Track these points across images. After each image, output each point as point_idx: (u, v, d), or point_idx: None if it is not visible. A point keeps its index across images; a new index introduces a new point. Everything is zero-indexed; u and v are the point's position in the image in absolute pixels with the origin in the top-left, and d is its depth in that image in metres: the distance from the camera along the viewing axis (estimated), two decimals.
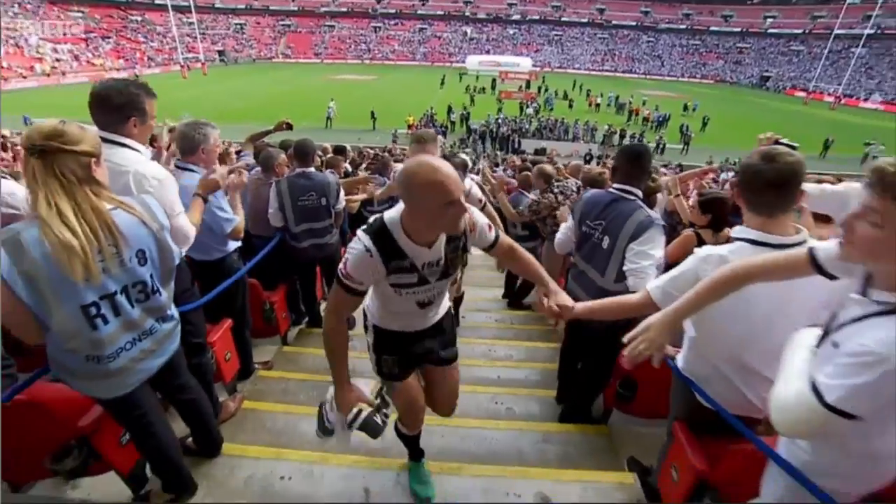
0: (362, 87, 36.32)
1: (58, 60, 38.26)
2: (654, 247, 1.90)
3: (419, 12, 62.52)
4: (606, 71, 54.91)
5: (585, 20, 62.20)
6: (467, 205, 1.40)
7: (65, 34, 43.10)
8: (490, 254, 1.64)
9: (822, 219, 2.04)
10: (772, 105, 38.90)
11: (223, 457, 1.99)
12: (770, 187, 1.27)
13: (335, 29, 60.66)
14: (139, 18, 52.26)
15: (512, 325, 4.02)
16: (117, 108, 1.65)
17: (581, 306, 1.52)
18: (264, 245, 2.94)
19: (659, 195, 3.44)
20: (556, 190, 3.68)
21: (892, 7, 49.36)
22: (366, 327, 1.76)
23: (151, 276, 1.40)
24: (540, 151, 20.12)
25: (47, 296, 1.20)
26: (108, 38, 46.45)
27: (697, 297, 1.27)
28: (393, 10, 62.56)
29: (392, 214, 1.41)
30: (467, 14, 62.39)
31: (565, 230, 2.38)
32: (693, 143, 21.80)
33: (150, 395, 1.59)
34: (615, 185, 2.13)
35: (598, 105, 31.14)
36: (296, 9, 61.68)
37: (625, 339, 1.30)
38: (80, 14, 46.91)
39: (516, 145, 20.26)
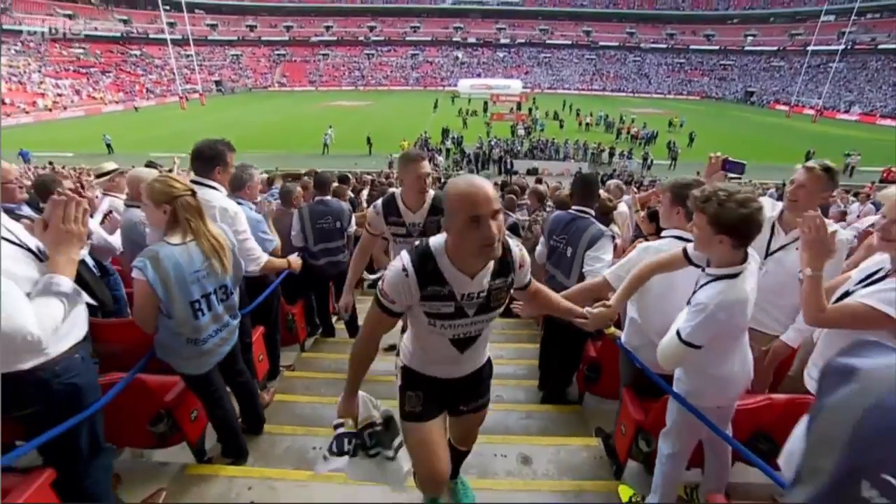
0: (357, 112, 37.28)
1: (59, 95, 39.18)
2: (605, 252, 2.42)
3: (410, 39, 64.29)
4: (595, 90, 56.35)
5: (573, 42, 63.97)
6: (514, 240, 1.51)
7: (66, 69, 44.15)
8: (517, 295, 1.66)
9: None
10: (756, 119, 40.05)
11: (265, 434, 2.45)
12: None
13: (329, 57, 62.25)
14: (138, 52, 53.60)
15: (503, 330, 4.51)
16: (208, 159, 2.33)
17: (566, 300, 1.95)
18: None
19: (625, 210, 3.97)
20: (548, 209, 4.10)
21: (865, 23, 51.65)
22: (397, 368, 1.74)
23: (229, 281, 1.92)
24: (532, 171, 20.82)
25: (173, 294, 1.73)
26: (108, 72, 47.59)
27: (629, 284, 1.84)
28: (385, 38, 64.30)
29: (439, 238, 1.43)
30: (457, 39, 64.20)
31: (541, 244, 2.91)
32: (680, 158, 22.51)
33: (219, 376, 2.09)
34: (574, 207, 2.66)
35: (587, 124, 31.99)
36: (289, 39, 63.36)
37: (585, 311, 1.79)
38: (80, 50, 48.11)
39: (509, 166, 20.88)
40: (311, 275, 3.59)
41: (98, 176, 3.53)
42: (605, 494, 2.07)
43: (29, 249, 1.45)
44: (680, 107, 43.63)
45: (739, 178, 2.59)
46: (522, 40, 64.16)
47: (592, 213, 2.65)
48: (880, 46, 50.76)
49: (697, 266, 1.66)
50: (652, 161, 22.37)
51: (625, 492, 2.05)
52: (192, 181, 2.25)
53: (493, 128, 27.77)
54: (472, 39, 64.39)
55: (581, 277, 2.47)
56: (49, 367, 1.45)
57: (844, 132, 33.56)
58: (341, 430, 1.61)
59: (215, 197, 2.28)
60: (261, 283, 2.84)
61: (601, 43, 63.66)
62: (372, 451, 1.63)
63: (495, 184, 14.59)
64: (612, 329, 2.01)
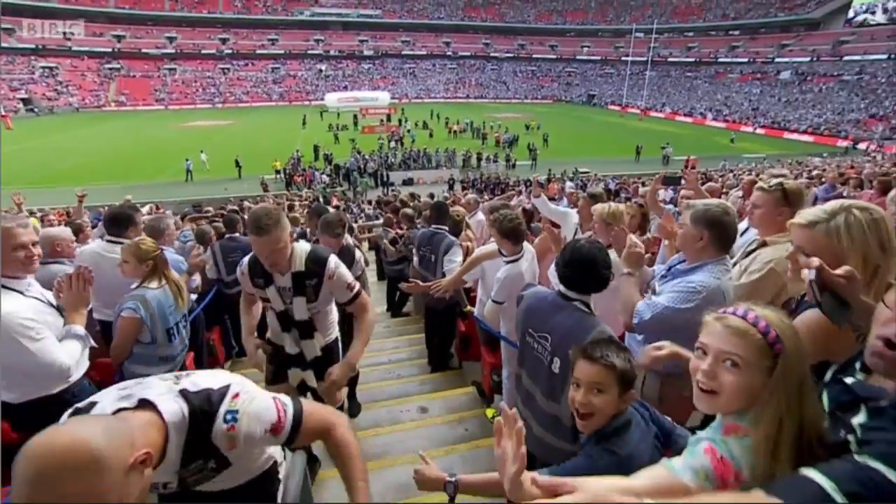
0: (219, 132, 34.84)
1: None
2: (457, 255, 3.40)
3: (268, 52, 61.89)
4: (460, 98, 59.87)
5: (434, 53, 67.07)
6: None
7: None
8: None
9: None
10: (598, 119, 46.10)
11: None
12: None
13: (176, 72, 57.05)
14: None
15: (396, 327, 5.37)
16: (122, 223, 3.00)
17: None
18: (203, 297, 3.90)
19: (482, 217, 5.07)
20: (418, 227, 5.18)
21: (664, 41, 63.47)
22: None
23: (185, 313, 2.49)
24: (408, 182, 21.95)
25: (157, 324, 2.28)
26: None
27: (463, 268, 2.84)
28: (239, 51, 61.01)
29: None
30: (319, 52, 63.47)
31: (414, 254, 3.85)
32: (539, 158, 25.36)
33: None
34: (433, 225, 3.60)
35: (455, 131, 34.07)
36: (120, 50, 56.40)
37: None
38: None
39: (385, 179, 21.70)
40: (225, 302, 4.05)
41: None
42: (478, 419, 3.01)
43: (55, 307, 1.98)
44: (535, 110, 48.50)
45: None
46: (386, 52, 65.60)
47: (447, 228, 3.63)
48: (671, 59, 62.89)
49: (503, 256, 2.62)
50: (515, 162, 24.94)
51: (489, 412, 3.02)
52: (109, 240, 2.86)
53: (357, 142, 27.72)
54: (334, 52, 64.15)
55: (442, 276, 3.40)
56: (69, 390, 1.96)
57: (661, 128, 40.23)
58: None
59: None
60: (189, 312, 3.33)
61: (460, 53, 67.72)
62: None
63: (370, 201, 15.32)
64: (468, 307, 2.97)
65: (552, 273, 2.11)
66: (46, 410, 1.92)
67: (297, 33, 63.59)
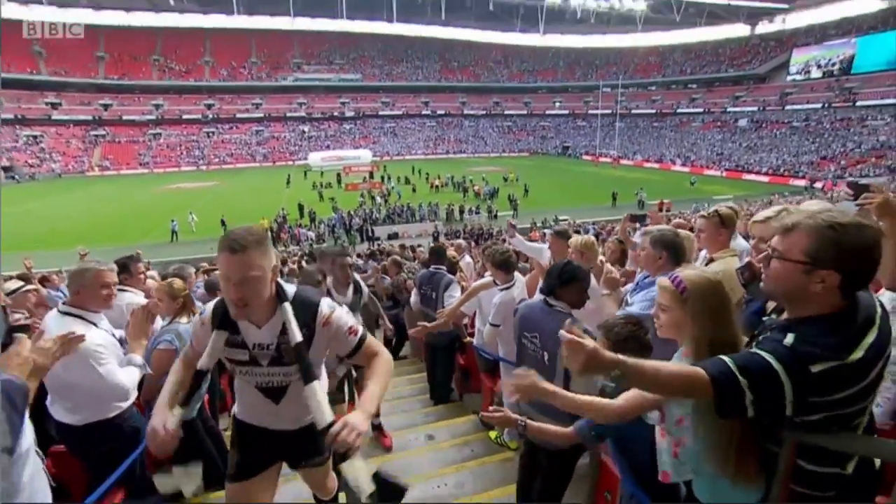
0: (205, 193, 35.29)
1: None
2: (455, 291, 3.73)
3: (253, 116, 63.82)
4: (440, 154, 62.01)
5: (413, 112, 69.98)
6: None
7: None
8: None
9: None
10: (574, 169, 48.08)
11: None
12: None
13: (161, 136, 58.26)
14: None
15: (397, 368, 5.54)
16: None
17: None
18: None
19: (469, 261, 5.47)
20: (405, 272, 5.63)
21: (629, 94, 67.80)
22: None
23: None
24: (393, 236, 22.45)
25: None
26: None
27: (462, 299, 3.09)
28: (224, 116, 62.78)
29: None
30: (302, 114, 65.67)
31: (414, 293, 4.13)
32: (521, 208, 26.25)
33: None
34: (432, 266, 3.95)
35: (437, 186, 35.15)
36: (107, 118, 57.67)
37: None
38: None
39: (370, 234, 22.16)
40: None
41: (7, 294, 3.77)
42: (483, 441, 3.23)
43: (118, 339, 2.27)
44: (513, 162, 50.43)
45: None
46: (367, 112, 68.21)
47: (445, 268, 4.01)
48: (637, 111, 66.98)
49: (497, 285, 2.97)
50: (497, 213, 25.75)
51: (493, 434, 3.24)
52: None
53: (339, 200, 28.25)
54: (317, 114, 66.42)
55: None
56: (123, 414, 2.22)
57: (633, 174, 42.15)
58: None
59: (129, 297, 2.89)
60: None
61: (438, 112, 70.81)
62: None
63: (360, 255, 15.72)
64: (468, 339, 3.26)
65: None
66: (101, 434, 2.13)
67: (280, 97, 65.95)
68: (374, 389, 1.59)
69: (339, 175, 37.56)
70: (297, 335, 1.57)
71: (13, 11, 50.13)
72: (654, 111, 66.43)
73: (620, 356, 1.16)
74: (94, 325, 2.16)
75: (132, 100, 59.90)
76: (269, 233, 22.00)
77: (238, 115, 63.11)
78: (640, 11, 62.36)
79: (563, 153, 63.99)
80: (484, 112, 72.15)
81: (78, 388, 2.06)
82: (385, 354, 1.74)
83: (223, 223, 22.38)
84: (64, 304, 2.20)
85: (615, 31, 73.29)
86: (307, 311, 1.64)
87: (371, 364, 1.70)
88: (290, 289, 1.66)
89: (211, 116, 62.16)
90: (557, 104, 73.80)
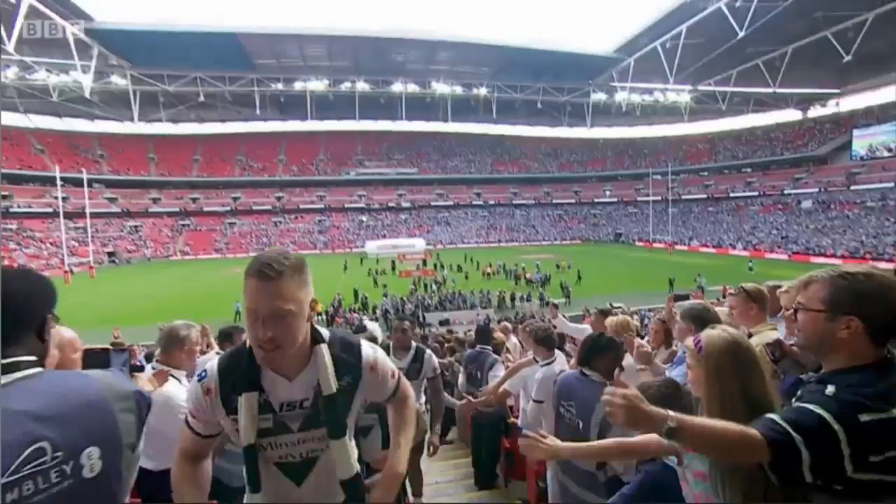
0: None
1: None
2: (499, 370, 3.91)
3: (317, 207, 69.10)
4: (492, 242, 63.39)
5: (466, 203, 73.06)
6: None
7: None
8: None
9: None
10: (628, 255, 47.44)
11: None
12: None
13: (236, 226, 64.17)
14: (14, 227, 50.76)
15: (441, 453, 5.53)
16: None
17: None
18: None
19: (515, 341, 5.58)
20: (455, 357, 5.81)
21: (682, 181, 68.51)
22: None
23: None
24: (444, 322, 22.62)
25: None
26: None
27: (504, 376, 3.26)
28: (292, 207, 68.52)
29: None
30: (362, 205, 70.27)
31: (461, 374, 4.32)
32: (573, 295, 25.89)
33: None
34: (478, 346, 4.14)
35: (489, 273, 35.50)
36: (195, 210, 65.00)
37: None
38: None
39: (422, 319, 22.47)
40: None
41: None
42: None
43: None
44: (565, 250, 50.52)
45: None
46: (421, 203, 71.96)
47: (490, 348, 4.24)
48: (687, 197, 66.76)
49: (538, 362, 3.10)
50: (549, 300, 25.48)
51: None
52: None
53: (391, 286, 29.13)
54: (375, 205, 70.86)
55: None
56: None
57: (689, 260, 40.91)
58: None
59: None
60: None
61: (490, 202, 73.49)
62: None
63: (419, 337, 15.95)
64: (512, 419, 3.35)
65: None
66: (167, 480, 2.36)
67: (342, 190, 71.47)
68: (403, 444, 1.46)
69: (393, 262, 39.05)
70: (332, 384, 1.27)
71: (141, 128, 63.65)
72: (706, 196, 65.90)
73: (669, 411, 1.16)
74: (179, 380, 2.46)
75: (215, 194, 67.30)
76: (326, 315, 22.92)
77: (303, 207, 68.59)
78: (684, 103, 64.20)
79: (615, 240, 63.72)
80: (534, 201, 74.16)
81: (161, 435, 2.18)
82: (413, 398, 1.58)
83: None
84: (156, 360, 2.56)
85: (661, 121, 75.42)
86: (351, 354, 1.36)
87: (400, 410, 1.53)
88: (325, 330, 1.37)
89: (280, 207, 68.05)
90: (607, 192, 74.92)
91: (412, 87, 62.35)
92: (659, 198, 62.06)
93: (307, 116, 64.72)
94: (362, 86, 60.96)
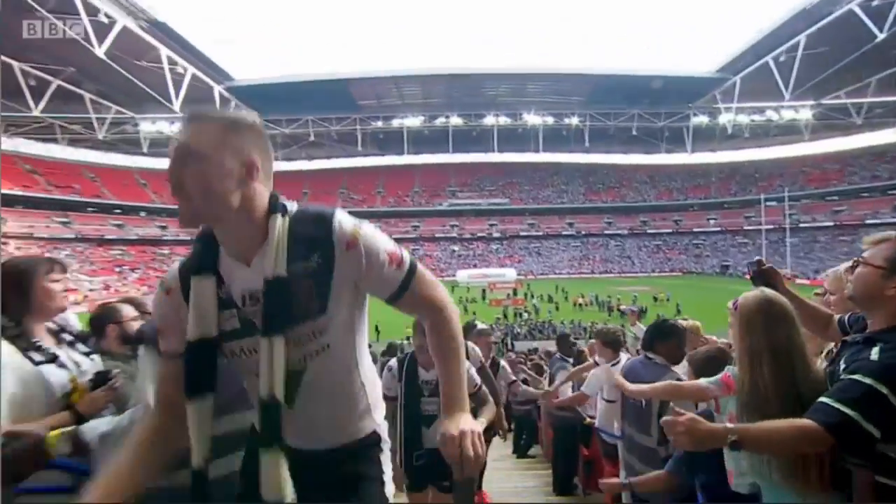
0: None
1: (91, 290, 42.83)
2: (561, 375, 4.04)
3: (411, 237, 72.06)
4: (584, 273, 61.44)
5: (558, 233, 71.85)
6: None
7: (103, 268, 49.52)
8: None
9: None
10: (736, 289, 41.80)
11: None
12: None
13: None
14: (167, 252, 59.63)
15: (522, 463, 5.75)
16: None
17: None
18: None
19: None
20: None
21: (802, 207, 60.92)
22: None
23: None
24: (532, 351, 22.40)
25: None
26: (137, 269, 52.85)
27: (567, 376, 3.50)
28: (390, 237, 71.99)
29: None
30: (454, 235, 72.06)
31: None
32: None
33: None
34: (557, 354, 4.40)
35: (581, 304, 34.65)
36: None
37: None
38: (119, 252, 54.47)
39: (510, 347, 22.49)
40: None
41: None
42: None
43: None
44: (663, 283, 47.32)
45: None
46: (512, 233, 72.08)
47: (570, 359, 4.51)
48: (808, 225, 59.28)
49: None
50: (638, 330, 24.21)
51: None
52: None
53: (481, 315, 28.99)
54: (466, 235, 72.29)
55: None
56: None
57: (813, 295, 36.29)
58: None
59: None
60: None
61: (583, 232, 71.59)
62: None
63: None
64: (588, 420, 3.57)
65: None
66: None
67: (436, 220, 73.88)
68: (453, 372, 1.07)
69: (483, 291, 39.46)
70: (277, 263, 0.97)
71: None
72: (834, 223, 58.15)
73: (729, 424, 1.27)
74: None
75: None
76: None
77: (396, 236, 71.32)
78: (804, 120, 57.86)
79: (721, 273, 58.44)
80: (630, 231, 70.89)
81: None
82: (451, 306, 1.16)
83: (377, 328, 24.20)
84: None
85: (775, 142, 68.48)
86: (319, 226, 1.03)
87: (434, 320, 1.12)
88: (293, 204, 1.08)
89: None
90: (712, 221, 69.20)
91: (504, 120, 63.88)
92: (773, 226, 56.23)
93: (403, 151, 68.81)
94: (455, 120, 63.74)
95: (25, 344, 1.54)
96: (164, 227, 62.30)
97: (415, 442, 2.38)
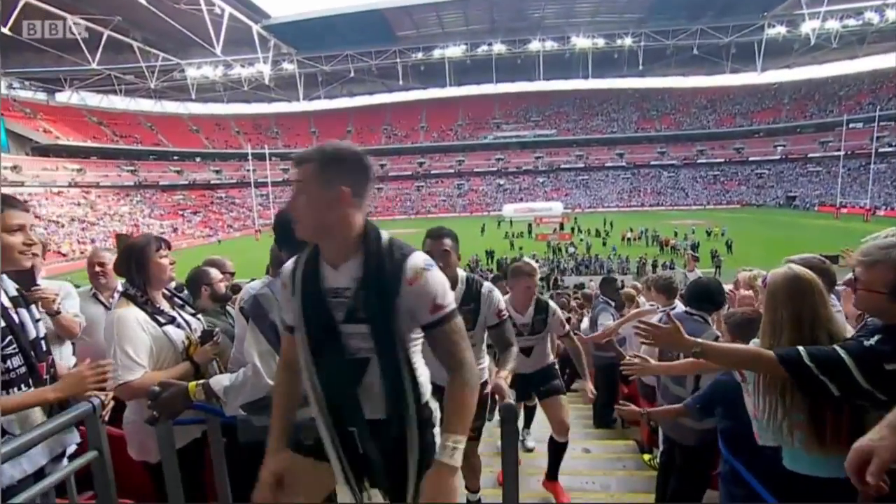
0: (409, 239, 39.53)
1: (161, 232, 46.18)
2: (605, 318, 4.12)
3: (456, 171, 71.40)
4: (634, 206, 59.35)
5: (607, 165, 68.85)
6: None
7: (168, 212, 53.14)
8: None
9: None
10: (802, 222, 40.52)
11: None
12: None
13: (383, 191, 69.23)
14: (223, 195, 62.66)
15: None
16: None
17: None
18: None
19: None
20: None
21: (894, 129, 53.55)
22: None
23: None
24: (579, 286, 22.39)
25: None
26: (199, 212, 56.06)
27: (620, 321, 3.51)
28: (434, 172, 71.79)
29: None
30: (499, 169, 70.67)
31: (586, 322, 4.65)
32: (725, 266, 23.38)
33: None
34: (601, 297, 4.40)
35: (629, 239, 33.71)
36: None
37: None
38: (181, 197, 57.96)
39: (557, 283, 22.53)
40: None
41: None
42: (635, 460, 3.53)
43: None
44: (719, 216, 45.00)
45: None
46: (559, 166, 69.81)
47: (612, 301, 4.51)
48: None
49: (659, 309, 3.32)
50: (694, 269, 23.44)
51: (646, 457, 3.49)
52: None
53: (527, 249, 29.41)
54: (512, 168, 70.73)
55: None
56: None
57: None
58: None
59: None
60: None
61: (634, 163, 68.16)
62: None
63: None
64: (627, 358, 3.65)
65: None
66: None
67: (480, 154, 72.48)
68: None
69: (529, 225, 39.29)
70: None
71: (305, 106, 73.74)
72: None
73: (699, 339, 1.53)
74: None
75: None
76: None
77: (442, 172, 71.40)
78: None
79: (786, 204, 54.63)
80: (684, 161, 66.68)
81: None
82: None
83: None
84: None
85: (867, 52, 60.31)
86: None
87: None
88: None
89: (421, 173, 71.85)
90: (780, 148, 63.57)
91: (550, 44, 59.93)
92: (849, 152, 50.77)
93: (446, 83, 66.57)
94: (499, 48, 60.41)
95: (151, 309, 2.00)
96: (218, 172, 65.05)
97: None
